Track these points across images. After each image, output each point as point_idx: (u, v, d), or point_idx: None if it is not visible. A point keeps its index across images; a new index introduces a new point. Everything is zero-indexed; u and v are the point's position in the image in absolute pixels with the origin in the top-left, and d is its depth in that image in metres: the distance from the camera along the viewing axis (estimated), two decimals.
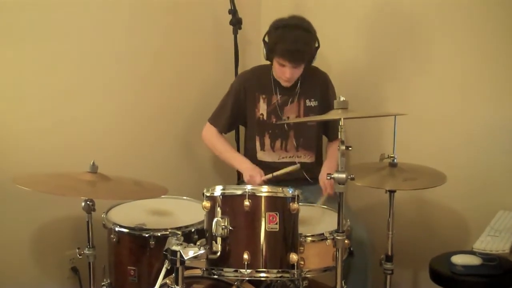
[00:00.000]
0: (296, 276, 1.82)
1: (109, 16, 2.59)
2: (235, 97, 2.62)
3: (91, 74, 2.56)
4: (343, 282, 1.85)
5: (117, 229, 2.12)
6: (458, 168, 2.49)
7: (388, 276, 2.17)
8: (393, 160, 2.12)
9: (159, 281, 1.75)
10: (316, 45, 2.45)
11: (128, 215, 2.23)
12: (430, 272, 2.22)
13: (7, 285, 2.36)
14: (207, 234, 1.83)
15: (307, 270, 1.90)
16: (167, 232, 2.04)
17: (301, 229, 1.90)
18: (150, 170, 2.74)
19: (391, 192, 2.12)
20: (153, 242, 2.06)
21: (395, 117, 2.14)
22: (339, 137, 1.77)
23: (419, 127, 2.65)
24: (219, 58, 3.06)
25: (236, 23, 2.89)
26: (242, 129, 2.82)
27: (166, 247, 1.70)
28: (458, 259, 2.15)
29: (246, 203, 1.76)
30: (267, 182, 2.40)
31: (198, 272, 1.86)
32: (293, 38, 2.35)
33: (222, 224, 1.75)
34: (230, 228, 1.76)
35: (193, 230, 2.11)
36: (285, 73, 2.44)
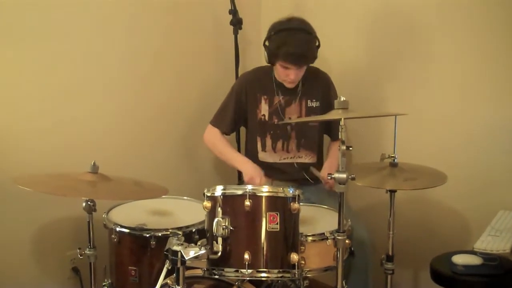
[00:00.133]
0: (297, 276, 1.82)
1: (110, 16, 2.60)
2: (237, 98, 2.62)
3: (91, 74, 2.56)
4: (343, 282, 1.85)
5: (118, 229, 2.12)
6: (459, 168, 2.49)
7: (389, 276, 2.17)
8: (394, 160, 2.12)
9: (160, 281, 1.75)
10: (317, 44, 2.46)
11: (129, 215, 2.23)
12: (431, 272, 2.22)
13: (8, 285, 2.36)
14: (208, 234, 1.83)
15: (308, 270, 1.90)
16: (168, 232, 2.04)
17: (302, 229, 1.90)
18: (150, 170, 2.74)
19: (392, 192, 2.12)
20: (154, 242, 2.06)
21: (395, 117, 2.14)
22: (340, 137, 1.78)
23: (419, 127, 2.65)
24: (219, 58, 3.06)
25: (237, 23, 2.89)
26: (242, 129, 2.82)
27: (167, 247, 1.71)
28: (459, 259, 2.15)
29: (247, 203, 1.76)
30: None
31: (199, 272, 1.86)
32: (296, 41, 2.36)
33: (223, 224, 1.76)
34: (231, 228, 1.76)
35: (194, 230, 2.11)
36: (289, 75, 2.45)
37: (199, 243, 1.81)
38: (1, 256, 2.34)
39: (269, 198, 1.80)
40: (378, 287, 2.36)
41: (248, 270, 1.74)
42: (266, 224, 1.78)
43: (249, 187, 1.79)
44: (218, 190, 1.82)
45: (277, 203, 1.81)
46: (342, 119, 1.79)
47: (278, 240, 1.80)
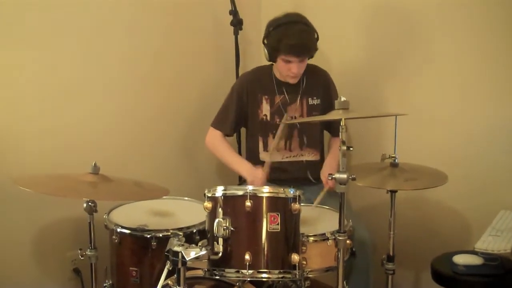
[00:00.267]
0: (298, 276, 1.83)
1: (110, 17, 2.59)
2: (238, 99, 2.62)
3: (91, 75, 2.56)
4: (344, 282, 1.85)
5: (118, 230, 2.12)
6: (460, 168, 2.49)
7: (390, 276, 2.17)
8: (394, 160, 2.12)
9: (161, 282, 1.75)
10: (316, 36, 2.46)
11: (129, 216, 2.23)
12: (432, 272, 2.22)
13: (9, 286, 2.36)
14: (209, 235, 1.83)
15: (309, 270, 1.90)
16: (169, 233, 2.04)
17: (303, 229, 1.90)
18: (151, 171, 2.74)
19: (393, 192, 2.12)
20: (154, 243, 2.06)
21: (396, 117, 2.14)
22: (340, 137, 1.78)
23: (420, 127, 2.65)
24: (219, 58, 3.06)
25: (237, 24, 2.89)
26: (243, 130, 2.81)
27: (167, 248, 1.71)
28: (460, 259, 2.15)
29: (248, 203, 1.76)
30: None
31: (200, 272, 1.86)
32: (296, 32, 2.36)
33: (224, 224, 1.76)
34: (232, 228, 1.76)
35: (194, 230, 2.11)
36: (291, 68, 2.44)
37: (200, 243, 1.81)
38: (1, 257, 2.34)
39: (269, 199, 1.80)
40: (379, 287, 2.36)
41: (249, 271, 1.75)
42: (267, 225, 1.78)
43: (249, 188, 1.80)
44: (219, 191, 1.82)
45: (277, 204, 1.81)
46: (343, 119, 1.79)
47: (279, 241, 1.80)
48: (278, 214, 1.79)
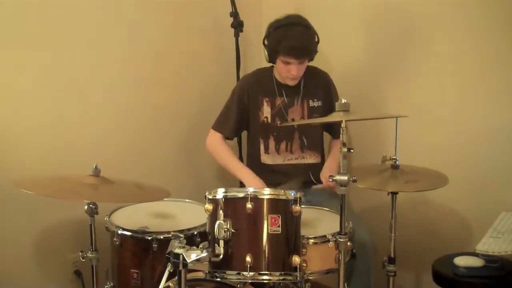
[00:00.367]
0: (298, 278, 1.83)
1: (111, 19, 2.60)
2: (239, 101, 2.62)
3: (92, 77, 2.56)
4: (345, 284, 1.85)
5: (120, 232, 2.12)
6: (460, 170, 2.49)
7: (391, 278, 2.17)
8: (395, 162, 2.12)
9: (162, 284, 1.75)
10: (316, 39, 2.46)
11: (130, 218, 2.23)
12: (433, 273, 2.22)
13: None
14: (210, 237, 1.83)
15: (309, 272, 1.91)
16: (170, 235, 2.05)
17: (304, 231, 1.91)
18: (152, 173, 2.74)
19: (393, 194, 2.12)
20: (155, 245, 2.06)
21: (396, 119, 2.14)
22: (341, 139, 1.78)
23: (420, 128, 2.65)
24: (220, 60, 3.06)
25: (238, 25, 2.90)
26: (244, 133, 2.81)
27: (168, 250, 1.71)
28: (461, 261, 2.15)
29: (248, 205, 1.77)
30: None
31: (200, 275, 1.86)
32: (296, 34, 2.37)
33: (225, 226, 1.76)
34: (233, 230, 1.76)
35: (195, 233, 2.11)
36: (291, 70, 2.44)
37: (201, 245, 1.81)
38: (3, 259, 2.34)
39: (270, 201, 1.81)
40: None
41: (250, 273, 1.75)
42: (268, 227, 1.78)
43: (250, 190, 1.80)
44: (220, 193, 1.83)
45: (278, 206, 1.82)
46: (344, 121, 1.79)
47: (280, 243, 1.80)
48: (279, 216, 1.79)
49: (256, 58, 3.09)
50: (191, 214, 2.28)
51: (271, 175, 2.51)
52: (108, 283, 2.16)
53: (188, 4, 2.90)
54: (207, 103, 2.91)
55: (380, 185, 2.08)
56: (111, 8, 2.59)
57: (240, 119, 2.63)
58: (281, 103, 2.59)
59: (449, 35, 2.57)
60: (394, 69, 2.79)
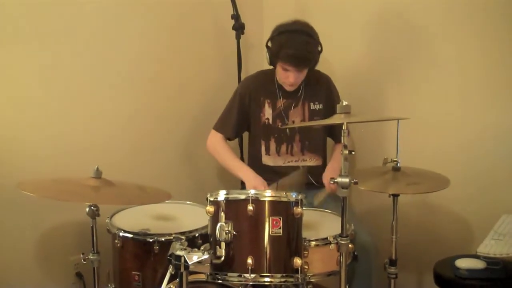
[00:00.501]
0: (300, 280, 1.82)
1: (113, 22, 2.61)
2: (240, 102, 2.62)
3: (94, 80, 2.57)
4: (347, 286, 1.85)
5: (121, 234, 2.13)
6: (462, 172, 2.49)
7: (392, 280, 2.17)
8: (396, 164, 2.12)
9: (164, 286, 1.75)
10: (319, 49, 2.46)
11: (132, 220, 2.24)
12: (434, 276, 2.22)
13: None
14: (211, 239, 1.83)
15: (311, 274, 1.90)
16: (171, 237, 2.05)
17: (305, 234, 1.90)
18: (153, 175, 2.74)
19: (395, 196, 2.12)
20: (157, 247, 2.06)
21: (398, 121, 2.14)
22: (342, 141, 1.78)
23: (422, 131, 2.64)
24: (222, 63, 3.07)
25: (239, 28, 2.90)
26: (245, 134, 2.82)
27: (170, 252, 1.71)
28: (462, 263, 2.15)
29: (250, 207, 1.76)
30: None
31: (202, 277, 1.85)
32: (297, 43, 2.37)
33: (226, 228, 1.76)
34: (234, 232, 1.76)
35: (197, 235, 2.12)
36: (288, 77, 2.45)
37: (202, 247, 1.82)
38: (5, 261, 2.35)
39: (272, 203, 1.80)
40: None
41: (251, 275, 1.75)
42: (269, 229, 1.78)
43: (252, 192, 1.80)
44: (221, 195, 1.82)
45: (280, 208, 1.81)
46: (345, 123, 1.79)
47: (281, 245, 1.80)
48: (280, 218, 1.79)
49: (258, 60, 3.09)
50: (192, 216, 2.28)
51: (271, 176, 2.51)
52: (109, 285, 2.16)
53: (189, 7, 2.91)
54: (209, 105, 2.91)
55: (382, 187, 2.08)
56: (113, 11, 2.60)
57: (241, 120, 2.64)
58: (282, 105, 2.59)
59: (451, 39, 2.57)
60: (396, 72, 2.79)
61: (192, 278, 1.86)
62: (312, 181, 2.58)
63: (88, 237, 2.02)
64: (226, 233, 1.75)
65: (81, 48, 2.51)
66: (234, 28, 2.91)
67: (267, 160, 2.63)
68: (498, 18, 2.44)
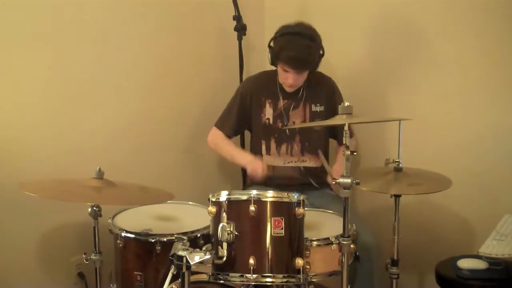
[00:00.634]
0: (302, 280, 1.83)
1: (115, 24, 2.61)
2: (241, 102, 2.64)
3: (97, 82, 2.57)
4: (349, 286, 1.85)
5: (123, 234, 2.13)
6: (463, 172, 2.49)
7: (394, 281, 2.17)
8: (398, 165, 2.12)
9: (166, 286, 1.76)
10: (321, 52, 2.47)
11: (134, 220, 2.24)
12: (436, 276, 2.22)
13: None
14: (213, 239, 1.84)
15: (313, 274, 1.91)
16: (173, 237, 2.06)
17: (307, 234, 1.91)
18: (155, 175, 2.75)
19: (397, 196, 2.12)
20: (159, 248, 2.06)
21: (399, 122, 2.14)
22: (344, 142, 1.78)
23: (423, 131, 2.64)
24: (223, 64, 3.07)
25: (241, 29, 2.90)
26: (247, 134, 2.82)
27: (172, 252, 1.71)
28: (464, 263, 2.15)
29: (252, 208, 1.77)
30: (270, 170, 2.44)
31: (204, 277, 1.86)
32: (299, 46, 2.37)
33: (228, 229, 1.76)
34: (236, 233, 1.77)
35: (199, 235, 2.12)
36: (288, 78, 2.46)
37: (204, 248, 1.82)
38: (6, 261, 2.35)
39: (274, 203, 1.81)
40: None
41: (253, 275, 1.75)
42: (271, 229, 1.78)
43: (254, 192, 1.80)
44: (223, 195, 1.83)
45: (281, 208, 1.82)
46: (346, 124, 1.80)
47: (283, 245, 1.80)
48: (282, 219, 1.79)
49: (259, 61, 3.09)
50: (194, 217, 2.28)
51: (272, 178, 2.51)
52: (111, 285, 2.17)
53: (191, 8, 2.91)
54: (210, 106, 2.91)
55: (383, 187, 2.08)
56: (114, 12, 2.60)
57: (241, 119, 2.65)
58: (283, 106, 2.60)
59: (452, 40, 2.57)
60: (397, 73, 2.79)
61: (194, 278, 1.86)
62: (312, 182, 2.58)
63: (90, 238, 2.02)
64: (228, 234, 1.76)
65: (82, 49, 2.51)
66: (236, 29, 2.91)
67: (268, 159, 2.63)
68: (498, 18, 2.44)
